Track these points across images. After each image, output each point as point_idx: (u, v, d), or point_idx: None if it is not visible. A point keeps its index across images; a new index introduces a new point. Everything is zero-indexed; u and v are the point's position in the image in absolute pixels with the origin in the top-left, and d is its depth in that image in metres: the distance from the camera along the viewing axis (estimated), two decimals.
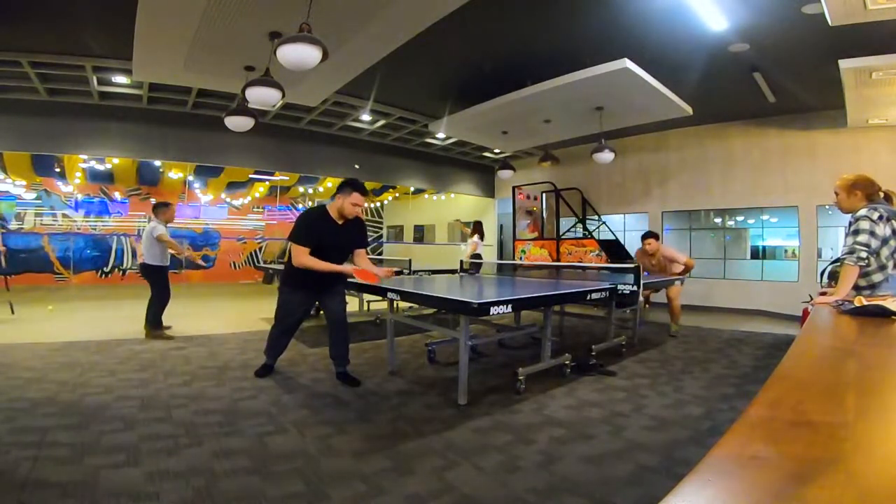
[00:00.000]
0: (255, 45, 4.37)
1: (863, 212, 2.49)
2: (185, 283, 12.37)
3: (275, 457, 2.20)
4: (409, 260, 6.70)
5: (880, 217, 2.44)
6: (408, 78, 6.16)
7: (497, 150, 10.02)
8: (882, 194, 2.62)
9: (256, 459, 2.16)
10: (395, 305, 3.83)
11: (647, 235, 5.81)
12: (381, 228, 16.51)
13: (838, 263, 2.86)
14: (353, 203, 3.29)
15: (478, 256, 7.80)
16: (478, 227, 8.23)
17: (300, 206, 15.01)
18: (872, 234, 2.41)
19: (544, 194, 10.04)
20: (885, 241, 2.44)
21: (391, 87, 6.48)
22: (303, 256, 3.18)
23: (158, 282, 4.99)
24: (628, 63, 4.83)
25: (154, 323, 4.99)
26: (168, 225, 5.11)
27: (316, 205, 3.44)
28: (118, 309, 7.21)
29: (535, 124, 7.10)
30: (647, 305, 6.71)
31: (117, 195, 12.09)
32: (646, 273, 5.26)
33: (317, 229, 3.27)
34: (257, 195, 13.28)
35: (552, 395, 3.25)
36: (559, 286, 3.96)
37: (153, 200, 12.28)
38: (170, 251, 5.06)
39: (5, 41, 4.99)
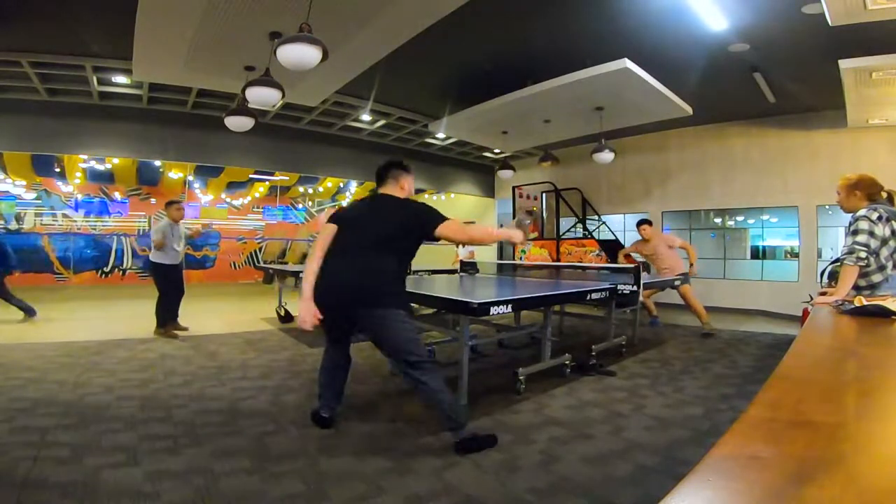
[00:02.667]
0: (255, 45, 4.37)
1: (862, 212, 2.49)
2: (184, 283, 12.36)
3: (275, 457, 2.20)
4: None
5: (879, 217, 2.43)
6: (408, 78, 6.16)
7: (497, 150, 10.02)
8: (885, 195, 2.62)
9: (256, 459, 2.16)
10: None
11: (641, 222, 6.07)
12: None
13: (838, 263, 2.87)
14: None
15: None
16: None
17: (300, 205, 15.02)
18: (871, 234, 2.41)
19: (544, 194, 10.04)
20: (884, 242, 2.44)
21: (391, 87, 6.48)
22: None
23: (169, 279, 5.08)
24: (628, 63, 4.83)
25: (163, 320, 5.06)
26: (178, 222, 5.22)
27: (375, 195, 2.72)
28: (118, 309, 7.21)
29: (535, 124, 7.10)
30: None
31: (117, 195, 12.10)
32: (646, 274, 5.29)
33: None
34: (257, 195, 13.29)
35: (552, 395, 3.24)
36: (559, 286, 3.96)
37: (153, 200, 12.37)
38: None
39: (5, 41, 4.99)
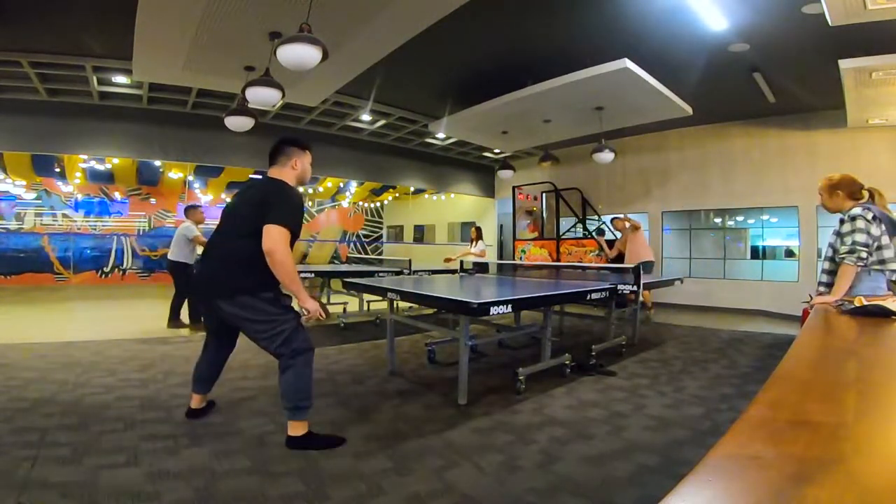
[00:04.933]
0: (255, 45, 4.37)
1: (857, 211, 2.50)
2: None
3: (275, 457, 2.20)
4: (409, 260, 6.71)
5: (874, 217, 2.46)
6: (408, 78, 6.16)
7: (497, 150, 10.02)
8: (867, 193, 2.64)
9: (256, 459, 2.16)
10: (395, 305, 3.83)
11: (614, 218, 7.31)
12: (381, 228, 16.52)
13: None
14: (311, 163, 2.58)
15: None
16: (479, 233, 8.22)
17: None
18: (869, 233, 2.43)
19: (544, 194, 10.04)
20: (875, 241, 2.46)
21: (391, 87, 6.48)
22: (287, 249, 2.22)
23: (181, 277, 5.30)
24: (628, 63, 4.82)
25: (174, 316, 5.33)
26: (199, 225, 5.51)
27: (260, 179, 2.52)
28: (118, 309, 7.21)
29: (535, 124, 7.10)
30: (651, 309, 6.76)
31: (117, 195, 12.09)
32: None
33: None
34: None
35: (552, 395, 3.24)
36: (559, 286, 3.96)
37: (153, 200, 12.37)
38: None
39: (5, 41, 4.99)
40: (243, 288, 2.25)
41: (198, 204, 5.90)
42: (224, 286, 2.28)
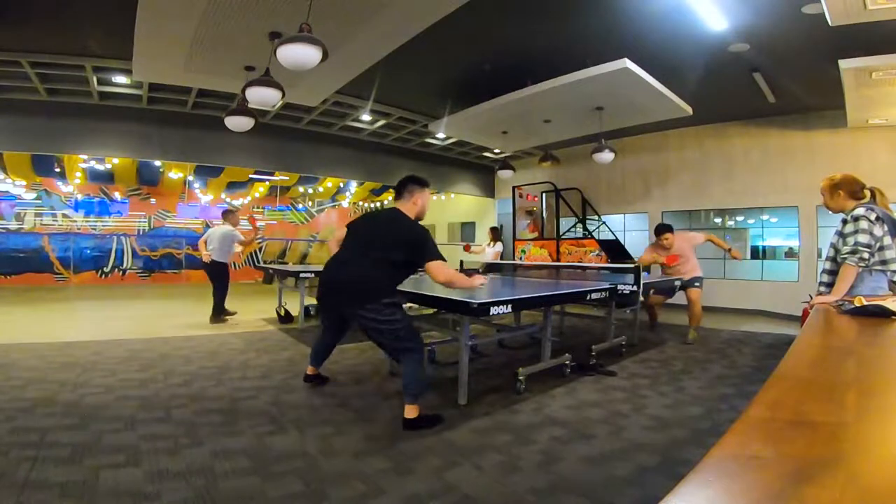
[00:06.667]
0: (255, 45, 4.37)
1: (860, 211, 2.49)
2: (185, 283, 12.37)
3: (275, 457, 2.20)
4: None
5: (877, 218, 2.46)
6: (408, 78, 6.16)
7: (497, 150, 10.02)
8: (868, 192, 2.64)
9: (256, 459, 2.16)
10: None
11: (663, 230, 5.34)
12: None
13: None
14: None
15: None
16: (496, 233, 8.14)
17: (300, 205, 15.02)
18: (871, 234, 2.43)
19: (544, 194, 10.04)
20: (877, 241, 2.46)
21: (391, 87, 6.48)
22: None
23: (225, 275, 6.02)
24: (628, 63, 4.82)
25: (220, 310, 5.95)
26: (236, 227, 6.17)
27: (384, 207, 2.96)
28: (118, 309, 7.21)
29: (535, 124, 7.10)
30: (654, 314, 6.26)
31: (117, 195, 12.09)
32: (646, 274, 5.25)
33: None
34: (257, 195, 13.28)
35: (552, 395, 3.24)
36: (559, 286, 3.96)
37: (153, 200, 12.39)
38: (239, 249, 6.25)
39: (5, 41, 4.99)
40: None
41: (235, 209, 6.66)
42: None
